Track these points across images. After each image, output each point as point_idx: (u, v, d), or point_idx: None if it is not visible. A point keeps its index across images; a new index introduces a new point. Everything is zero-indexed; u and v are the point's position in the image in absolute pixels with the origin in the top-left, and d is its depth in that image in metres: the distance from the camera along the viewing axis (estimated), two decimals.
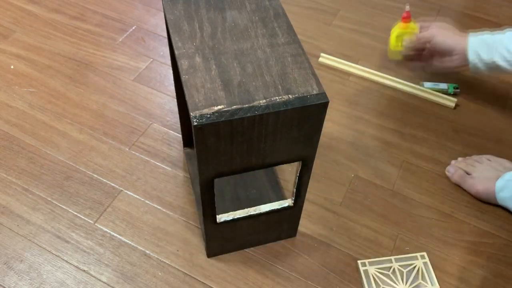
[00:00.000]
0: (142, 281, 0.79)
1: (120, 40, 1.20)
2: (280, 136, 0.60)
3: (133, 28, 1.24)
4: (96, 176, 0.92)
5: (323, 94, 0.57)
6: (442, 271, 0.83)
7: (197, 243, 0.84)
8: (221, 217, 0.73)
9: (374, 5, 1.35)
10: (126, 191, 0.91)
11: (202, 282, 0.79)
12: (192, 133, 0.56)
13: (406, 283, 0.80)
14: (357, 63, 1.17)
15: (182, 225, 0.86)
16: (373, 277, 0.80)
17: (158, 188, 0.91)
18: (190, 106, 0.55)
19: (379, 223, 0.88)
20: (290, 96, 0.57)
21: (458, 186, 0.94)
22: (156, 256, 0.82)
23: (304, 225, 0.87)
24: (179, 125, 1.01)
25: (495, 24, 1.31)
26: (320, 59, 1.17)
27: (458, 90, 1.12)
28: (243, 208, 0.75)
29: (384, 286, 0.79)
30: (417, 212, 0.90)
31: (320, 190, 0.92)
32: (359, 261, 0.81)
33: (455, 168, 0.94)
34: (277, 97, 0.56)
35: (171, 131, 1.01)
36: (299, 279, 0.81)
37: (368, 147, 1.00)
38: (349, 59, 1.18)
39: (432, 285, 0.80)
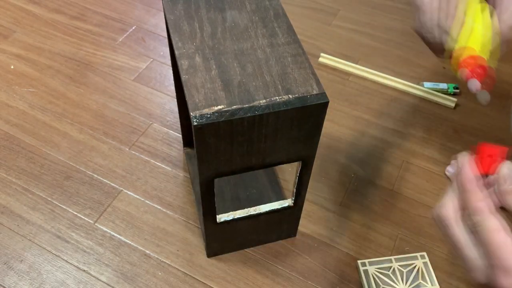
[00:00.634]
0: (142, 281, 0.79)
1: (120, 40, 1.20)
2: (280, 136, 0.60)
3: (133, 28, 1.24)
4: (96, 176, 0.92)
5: (323, 94, 0.57)
6: (442, 271, 0.83)
7: (197, 243, 0.84)
8: (221, 217, 0.73)
9: (374, 5, 1.35)
10: (126, 191, 0.91)
11: (202, 282, 0.79)
12: (192, 133, 0.56)
13: (406, 283, 0.80)
14: (357, 63, 1.17)
15: (182, 225, 0.86)
16: (373, 277, 0.80)
17: (158, 188, 0.91)
18: (190, 106, 0.55)
19: (379, 223, 0.88)
20: (290, 96, 0.57)
21: None
22: (156, 256, 0.82)
23: (304, 225, 0.87)
24: (179, 125, 1.01)
25: None
26: (320, 59, 1.17)
27: (458, 90, 1.12)
28: (243, 208, 0.75)
29: (384, 286, 0.79)
30: (417, 212, 0.90)
31: (320, 190, 0.92)
32: (359, 261, 0.81)
33: (455, 168, 0.94)
34: (277, 97, 0.56)
35: (171, 131, 1.01)
36: (299, 279, 0.81)
37: (368, 147, 1.00)
38: (349, 59, 1.18)
39: (432, 285, 0.80)
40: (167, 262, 0.82)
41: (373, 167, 0.97)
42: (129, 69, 1.13)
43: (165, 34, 1.22)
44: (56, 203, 0.88)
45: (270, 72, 0.59)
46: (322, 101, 0.57)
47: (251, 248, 0.84)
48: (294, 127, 0.60)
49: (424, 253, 0.83)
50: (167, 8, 0.66)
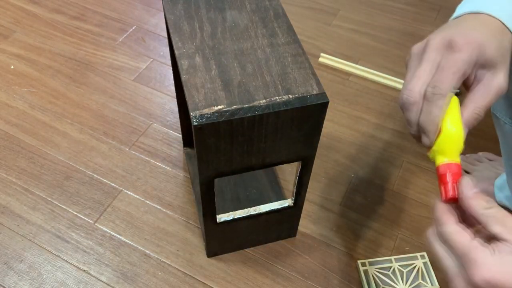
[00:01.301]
0: (142, 281, 0.79)
1: (120, 40, 1.20)
2: (280, 136, 0.60)
3: (133, 28, 1.24)
4: (96, 176, 0.92)
5: (323, 94, 0.57)
6: (442, 271, 0.82)
7: (197, 243, 0.84)
8: (221, 217, 0.73)
9: (374, 5, 1.35)
10: (126, 191, 0.91)
11: (202, 282, 0.79)
12: (192, 133, 0.56)
13: (406, 283, 0.80)
14: (357, 63, 1.17)
15: (182, 225, 0.86)
16: (373, 277, 0.80)
17: (158, 188, 0.91)
18: (190, 106, 0.55)
19: (379, 223, 0.88)
20: (290, 96, 0.57)
21: None
22: (156, 256, 0.82)
23: (304, 225, 0.87)
24: (179, 125, 1.01)
25: None
26: (320, 59, 1.17)
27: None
28: (243, 208, 0.75)
29: (384, 286, 0.79)
30: (417, 212, 0.90)
31: (320, 190, 0.92)
32: (359, 261, 0.81)
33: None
34: (277, 97, 0.56)
35: (171, 131, 1.01)
36: (299, 279, 0.81)
37: (368, 147, 1.00)
38: (349, 59, 1.18)
39: (432, 285, 0.80)
40: (167, 262, 0.82)
41: (373, 167, 0.97)
42: (129, 69, 1.13)
43: (165, 34, 1.22)
44: (56, 203, 0.88)
45: (270, 72, 0.59)
46: (322, 101, 0.57)
47: (251, 248, 0.84)
48: (294, 127, 0.60)
49: (424, 253, 0.83)
50: (167, 8, 0.66)
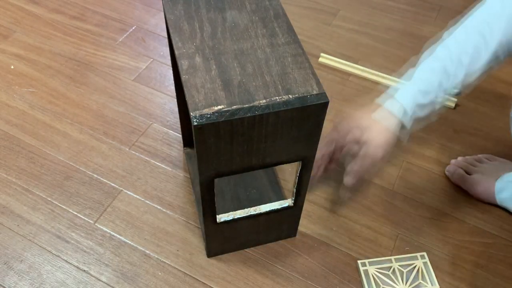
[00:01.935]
0: (142, 281, 0.79)
1: (120, 40, 1.20)
2: (280, 136, 0.60)
3: (133, 28, 1.24)
4: (96, 176, 0.92)
5: (323, 94, 0.57)
6: (442, 271, 0.83)
7: (197, 243, 0.84)
8: (221, 217, 0.73)
9: (374, 5, 1.35)
10: (126, 191, 0.91)
11: (202, 282, 0.79)
12: (192, 133, 0.56)
13: (406, 283, 0.80)
14: (357, 63, 1.17)
15: (182, 225, 0.86)
16: (373, 277, 0.80)
17: (158, 188, 0.91)
18: (190, 106, 0.55)
19: (379, 223, 0.88)
20: (290, 96, 0.57)
21: (458, 186, 0.94)
22: (156, 256, 0.82)
23: (304, 225, 0.87)
24: (179, 125, 1.01)
25: None
26: (320, 59, 1.17)
27: (458, 90, 1.11)
28: (243, 208, 0.75)
29: (384, 286, 0.79)
30: (417, 212, 0.90)
31: (320, 190, 0.92)
32: (359, 261, 0.81)
33: (455, 168, 0.94)
34: (277, 97, 0.56)
35: (171, 131, 1.01)
36: (299, 279, 0.81)
37: None
38: (349, 59, 1.18)
39: (432, 285, 0.80)
40: (167, 262, 0.82)
41: None
42: (129, 69, 1.13)
43: (165, 34, 1.22)
44: (56, 203, 0.88)
45: (270, 72, 0.59)
46: (322, 101, 0.57)
47: (251, 248, 0.84)
48: (294, 127, 0.60)
49: (424, 253, 0.83)
50: (167, 8, 0.66)
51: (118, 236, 0.84)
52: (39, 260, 0.81)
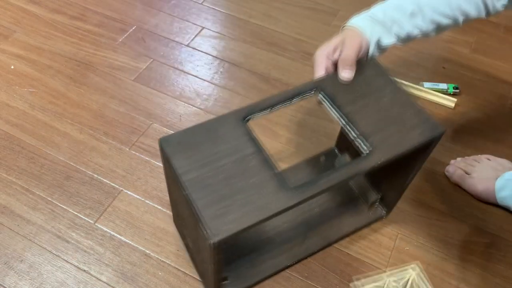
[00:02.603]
0: (142, 281, 0.79)
1: (120, 40, 1.20)
2: None
3: (133, 28, 1.24)
4: (96, 176, 0.92)
5: None
6: (442, 271, 0.83)
7: None
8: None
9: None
10: (126, 191, 0.91)
11: (203, 282, 0.79)
12: None
13: None
14: None
15: None
16: None
17: (158, 188, 0.91)
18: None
19: (379, 223, 0.88)
20: None
21: (458, 186, 0.94)
22: (156, 256, 0.82)
23: None
24: (179, 125, 1.01)
25: (494, 24, 1.31)
26: None
27: (458, 90, 1.12)
28: None
29: None
30: (417, 212, 0.90)
31: None
32: (352, 283, 0.80)
33: (454, 168, 0.94)
34: None
35: (171, 131, 1.01)
36: (299, 279, 0.81)
37: None
38: None
39: None
40: (167, 262, 0.82)
41: None
42: (129, 69, 1.13)
43: (165, 34, 1.22)
44: (56, 203, 0.88)
45: None
46: None
47: None
48: None
49: (415, 265, 0.82)
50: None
51: (118, 236, 0.84)
52: (39, 260, 0.81)
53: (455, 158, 0.97)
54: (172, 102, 1.06)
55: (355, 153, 0.65)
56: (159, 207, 0.88)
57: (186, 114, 1.04)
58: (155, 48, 1.19)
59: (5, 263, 0.80)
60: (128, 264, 0.81)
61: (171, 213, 0.87)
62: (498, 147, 1.01)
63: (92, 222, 0.86)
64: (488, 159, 0.95)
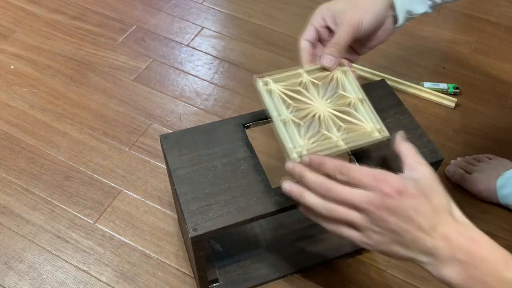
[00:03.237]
0: (142, 281, 0.79)
1: (120, 40, 1.20)
2: None
3: (133, 28, 1.24)
4: (96, 176, 0.92)
5: None
6: None
7: None
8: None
9: None
10: (126, 191, 0.91)
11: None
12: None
13: (323, 97, 0.62)
14: (357, 63, 1.17)
15: None
16: (280, 95, 0.61)
17: (158, 188, 0.91)
18: None
19: None
20: None
21: (458, 186, 0.94)
22: (156, 256, 0.82)
23: None
24: (179, 125, 1.01)
25: (494, 24, 1.31)
26: None
27: (458, 90, 1.12)
28: None
29: (296, 105, 0.60)
30: None
31: None
32: (257, 78, 0.62)
33: (455, 168, 0.94)
34: None
35: (171, 131, 1.00)
36: (299, 279, 0.81)
37: None
38: None
39: (354, 93, 0.63)
40: (167, 262, 0.82)
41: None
42: (129, 69, 1.13)
43: (165, 34, 1.22)
44: (56, 203, 0.88)
45: None
46: None
47: None
48: None
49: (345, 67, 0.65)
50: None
51: (118, 236, 0.84)
52: (39, 260, 0.81)
53: (455, 158, 0.97)
54: (172, 102, 1.06)
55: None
56: (159, 207, 0.88)
57: (186, 114, 1.04)
58: (155, 48, 1.19)
59: (5, 263, 0.80)
60: (128, 264, 0.81)
61: (171, 213, 0.87)
62: (499, 147, 1.01)
63: (92, 222, 0.86)
64: (489, 159, 0.95)
